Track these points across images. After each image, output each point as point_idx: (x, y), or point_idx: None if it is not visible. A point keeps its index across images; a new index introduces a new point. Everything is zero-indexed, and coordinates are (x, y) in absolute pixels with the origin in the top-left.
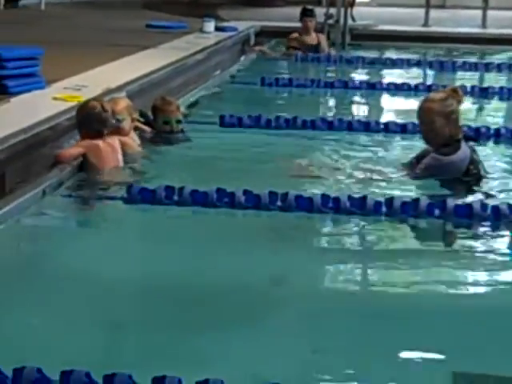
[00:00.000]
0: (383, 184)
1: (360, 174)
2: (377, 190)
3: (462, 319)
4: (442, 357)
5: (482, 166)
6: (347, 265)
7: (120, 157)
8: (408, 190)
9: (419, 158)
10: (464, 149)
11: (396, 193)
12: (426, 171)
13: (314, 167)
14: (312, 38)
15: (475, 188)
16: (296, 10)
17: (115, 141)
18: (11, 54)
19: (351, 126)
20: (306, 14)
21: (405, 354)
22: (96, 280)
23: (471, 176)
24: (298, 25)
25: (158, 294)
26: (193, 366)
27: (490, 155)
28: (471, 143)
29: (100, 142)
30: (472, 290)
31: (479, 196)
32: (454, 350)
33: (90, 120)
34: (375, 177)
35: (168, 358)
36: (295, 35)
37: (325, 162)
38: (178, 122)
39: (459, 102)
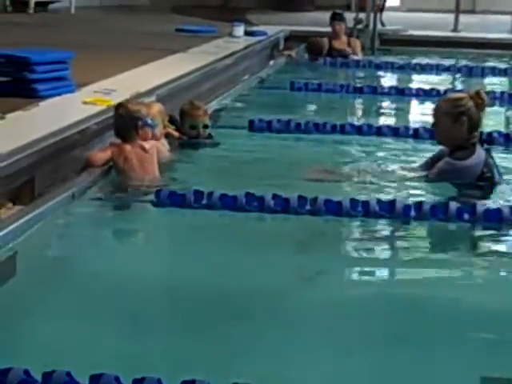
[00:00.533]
0: (397, 187)
1: (375, 178)
2: (389, 193)
3: (491, 323)
4: (470, 361)
5: (496, 171)
6: (376, 268)
7: (154, 162)
8: (421, 194)
9: (434, 160)
10: (479, 153)
11: (409, 196)
12: (439, 175)
13: (334, 171)
14: (341, 42)
15: (489, 193)
16: (325, 15)
17: (149, 145)
18: (41, 57)
19: (380, 131)
20: (336, 17)
21: (433, 357)
22: (125, 284)
23: (485, 181)
24: (328, 29)
25: (187, 298)
26: (222, 370)
27: None
28: (486, 147)
29: (129, 147)
30: (501, 294)
31: (493, 201)
32: (483, 354)
33: (126, 122)
34: (388, 179)
35: (197, 362)
36: (325, 39)
37: (347, 165)
38: (205, 126)
39: (479, 105)
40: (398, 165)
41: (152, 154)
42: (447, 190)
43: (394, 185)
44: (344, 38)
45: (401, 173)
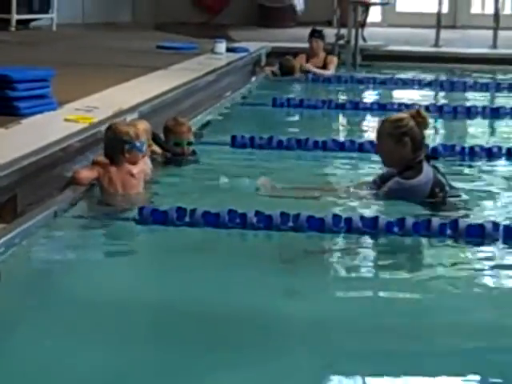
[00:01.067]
0: (343, 206)
1: (321, 194)
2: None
3: (478, 335)
4: (457, 373)
5: (449, 185)
6: (359, 285)
7: (139, 186)
8: (369, 211)
9: (384, 178)
10: (427, 171)
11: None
12: (388, 195)
13: (276, 187)
14: (319, 60)
15: (441, 210)
16: (307, 31)
17: (136, 170)
18: (22, 75)
19: (362, 147)
20: (314, 35)
21: (422, 373)
22: (107, 301)
23: (436, 198)
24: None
25: (169, 315)
26: None
27: (502, 175)
28: (433, 163)
29: (115, 169)
30: (487, 307)
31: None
32: (477, 368)
33: (113, 145)
34: (339, 197)
35: (181, 379)
36: (302, 56)
37: (315, 181)
38: (189, 143)
39: (420, 123)
40: (347, 181)
41: (139, 179)
42: (398, 207)
43: (338, 203)
44: (322, 56)
45: (348, 191)
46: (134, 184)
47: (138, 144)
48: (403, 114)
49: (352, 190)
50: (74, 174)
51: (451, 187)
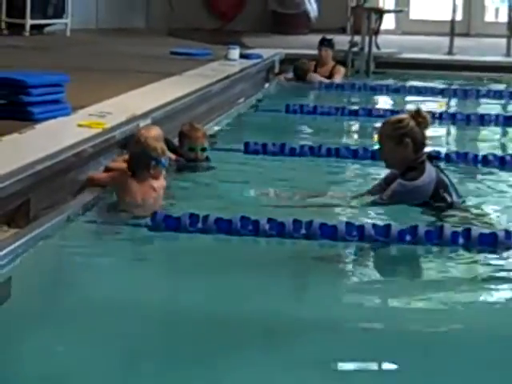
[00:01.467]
0: (350, 210)
1: (326, 201)
2: (344, 216)
3: (482, 347)
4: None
5: (453, 190)
6: (371, 292)
7: (159, 201)
8: (377, 217)
9: (388, 181)
10: (429, 171)
11: (364, 219)
12: (393, 198)
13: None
14: (326, 69)
15: (446, 213)
16: (320, 38)
17: (157, 184)
18: (36, 80)
19: (375, 155)
20: (323, 43)
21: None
22: (120, 308)
23: (441, 200)
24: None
25: (180, 321)
26: None
27: None
28: (436, 163)
29: (136, 182)
30: (498, 318)
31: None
32: (477, 376)
33: (140, 160)
34: (344, 204)
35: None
36: (312, 63)
37: (327, 189)
38: (203, 149)
39: (421, 124)
40: (351, 188)
41: (159, 193)
42: (403, 211)
43: (345, 208)
44: (330, 64)
45: (354, 197)
46: (155, 198)
47: (163, 161)
48: (403, 115)
49: (356, 196)
50: (91, 176)
51: (455, 189)
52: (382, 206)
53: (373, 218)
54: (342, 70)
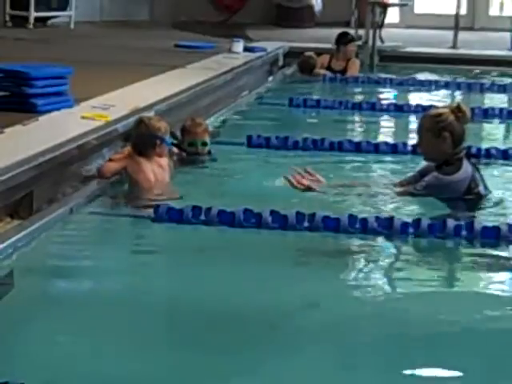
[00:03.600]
0: (383, 201)
1: (361, 192)
2: (375, 208)
3: (487, 338)
4: (471, 377)
5: (483, 185)
6: (373, 285)
7: (168, 177)
8: (407, 209)
9: (422, 173)
10: (466, 168)
11: (396, 211)
12: (426, 189)
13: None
14: (341, 64)
15: (476, 207)
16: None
17: (164, 162)
18: (40, 72)
19: (378, 148)
20: (348, 39)
21: (437, 375)
22: (122, 299)
23: (472, 195)
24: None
25: (183, 313)
26: None
27: None
28: (474, 160)
29: (145, 161)
30: (500, 311)
31: (480, 216)
32: (479, 370)
33: (146, 139)
34: (378, 193)
35: (193, 379)
36: (326, 57)
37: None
38: (204, 144)
39: (460, 118)
40: (387, 179)
41: (166, 171)
42: (433, 205)
43: (379, 199)
44: (354, 60)
45: (387, 187)
46: (164, 175)
47: (167, 139)
48: (443, 109)
49: (390, 185)
50: (101, 167)
51: (486, 188)
52: (413, 198)
53: (402, 209)
54: (357, 62)
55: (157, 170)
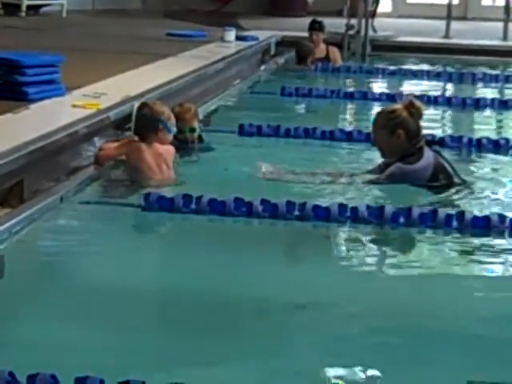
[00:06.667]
0: (347, 190)
1: (326, 180)
2: (339, 197)
3: (477, 329)
4: (458, 366)
5: (452, 172)
6: (364, 274)
7: (170, 165)
8: (373, 197)
9: (386, 162)
10: (427, 156)
11: (361, 200)
12: (389, 178)
13: (281, 171)
14: (320, 51)
15: (442, 196)
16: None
17: (163, 149)
18: (32, 60)
19: (370, 138)
20: (314, 27)
21: (422, 360)
22: (112, 288)
23: (438, 182)
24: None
25: (173, 302)
26: (208, 374)
27: (509, 167)
28: (436, 147)
29: (146, 146)
30: (490, 300)
31: (444, 204)
32: (470, 359)
33: (148, 123)
34: (342, 182)
35: (182, 365)
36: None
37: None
38: (192, 130)
39: (414, 114)
40: (352, 168)
41: (167, 159)
42: (399, 193)
43: (342, 187)
44: (322, 46)
45: (352, 176)
46: (164, 162)
47: (170, 125)
48: (396, 106)
49: (354, 175)
50: (99, 152)
51: (456, 173)
52: (380, 186)
53: (369, 197)
54: (336, 50)
55: (157, 156)
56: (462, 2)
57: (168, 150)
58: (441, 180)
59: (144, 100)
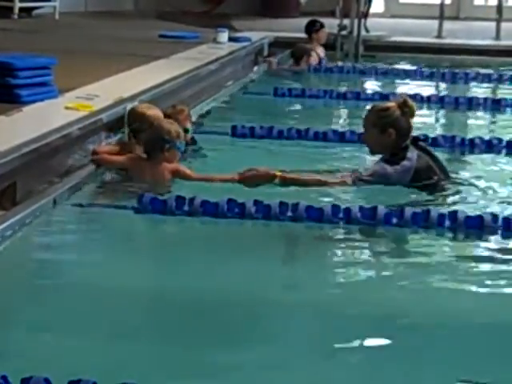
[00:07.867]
0: (338, 191)
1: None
2: (331, 197)
3: (469, 329)
4: (449, 365)
5: (439, 171)
6: (357, 275)
7: (169, 180)
8: (357, 198)
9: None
10: (411, 157)
11: (353, 200)
12: (372, 178)
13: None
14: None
15: (435, 195)
16: None
17: (170, 168)
18: (24, 63)
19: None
20: (318, 25)
21: (418, 362)
22: (105, 291)
23: (424, 182)
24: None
25: (167, 304)
26: (202, 378)
27: (501, 167)
28: (422, 144)
29: (148, 165)
30: (483, 301)
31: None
32: (461, 359)
33: (154, 142)
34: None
35: (176, 369)
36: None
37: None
38: (185, 131)
39: (406, 113)
40: (345, 169)
41: (171, 176)
42: (383, 193)
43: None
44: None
45: (334, 174)
46: (165, 180)
47: (178, 144)
48: (389, 103)
49: (337, 174)
50: (101, 156)
51: (445, 171)
52: (366, 186)
53: (353, 198)
54: (321, 49)
55: (159, 175)
56: (454, 1)
57: (175, 168)
58: (424, 179)
59: (150, 113)
